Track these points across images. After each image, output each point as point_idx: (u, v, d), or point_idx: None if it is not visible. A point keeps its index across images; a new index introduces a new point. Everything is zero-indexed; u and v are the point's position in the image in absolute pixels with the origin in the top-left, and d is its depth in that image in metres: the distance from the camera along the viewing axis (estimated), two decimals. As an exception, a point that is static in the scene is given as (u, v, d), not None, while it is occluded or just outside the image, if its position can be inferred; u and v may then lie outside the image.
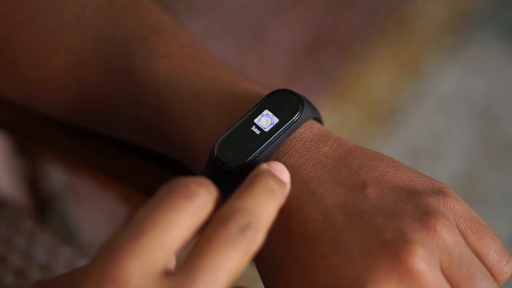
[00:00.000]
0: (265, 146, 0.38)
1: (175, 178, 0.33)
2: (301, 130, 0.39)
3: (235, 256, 0.31)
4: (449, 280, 0.34)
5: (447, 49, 1.50)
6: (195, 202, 0.32)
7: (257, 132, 0.39)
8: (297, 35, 1.48)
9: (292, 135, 0.39)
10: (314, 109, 0.40)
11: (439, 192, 0.37)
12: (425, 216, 0.35)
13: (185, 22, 0.48)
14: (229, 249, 0.31)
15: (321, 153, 0.38)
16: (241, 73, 0.43)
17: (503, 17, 1.53)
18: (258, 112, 0.39)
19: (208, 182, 0.33)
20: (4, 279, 0.58)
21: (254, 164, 0.38)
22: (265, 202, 0.33)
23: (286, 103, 0.39)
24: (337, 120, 1.39)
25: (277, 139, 0.38)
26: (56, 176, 0.72)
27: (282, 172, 0.36)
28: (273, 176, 0.35)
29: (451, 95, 1.43)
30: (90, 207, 1.23)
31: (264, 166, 0.36)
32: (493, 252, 0.37)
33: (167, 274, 0.30)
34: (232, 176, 0.38)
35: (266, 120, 0.39)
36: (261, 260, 0.37)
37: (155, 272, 0.30)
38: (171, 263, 0.33)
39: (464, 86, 1.44)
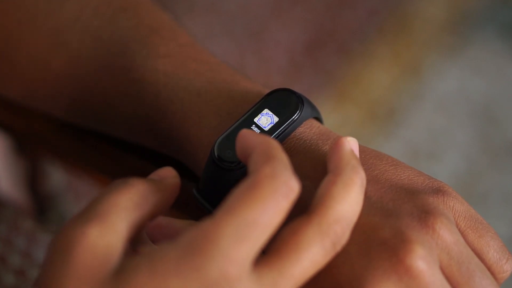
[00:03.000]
0: None
1: (270, 163, 0.32)
2: (300, 129, 0.39)
3: (323, 262, 0.32)
4: (448, 279, 0.34)
5: (447, 49, 1.50)
6: (292, 200, 0.32)
7: (257, 131, 0.39)
8: (296, 35, 1.48)
9: (292, 134, 0.39)
10: (314, 108, 0.40)
11: (438, 190, 0.37)
12: (424, 215, 0.35)
13: (185, 22, 0.48)
14: (321, 260, 0.32)
15: (320, 152, 0.38)
16: (241, 73, 0.43)
17: (503, 17, 1.53)
18: (258, 111, 0.39)
19: (292, 167, 0.32)
20: (4, 279, 0.58)
21: None
22: (360, 203, 0.34)
23: (286, 102, 0.39)
24: (337, 120, 1.39)
25: (276, 138, 0.38)
26: (56, 176, 0.72)
27: (357, 150, 0.37)
28: (359, 162, 0.35)
29: (451, 95, 1.43)
30: (90, 207, 1.23)
31: (347, 148, 0.35)
32: (492, 251, 0.36)
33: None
34: (232, 175, 0.38)
35: (266, 119, 0.39)
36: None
37: (250, 269, 0.31)
38: None
39: (464, 86, 1.44)
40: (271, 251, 0.32)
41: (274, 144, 0.33)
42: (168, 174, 0.36)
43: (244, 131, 0.34)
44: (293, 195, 0.31)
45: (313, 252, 0.32)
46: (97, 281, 0.30)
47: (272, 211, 0.31)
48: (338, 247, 0.33)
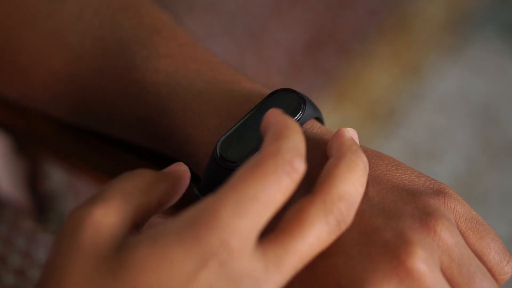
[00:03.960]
0: None
1: (273, 144, 0.32)
2: (302, 129, 0.39)
3: (328, 240, 0.33)
4: (449, 280, 0.34)
5: (447, 49, 1.50)
6: (295, 180, 0.32)
7: (259, 131, 0.39)
8: (296, 35, 1.48)
9: (294, 135, 0.39)
10: (315, 108, 0.40)
11: (439, 192, 0.37)
12: (425, 216, 0.35)
13: (185, 22, 0.48)
14: (326, 238, 0.33)
15: (321, 152, 0.38)
16: (242, 73, 0.43)
17: (503, 17, 1.53)
18: (260, 111, 0.39)
19: (303, 150, 0.33)
20: (4, 279, 0.58)
21: None
22: (363, 186, 0.34)
23: (288, 102, 0.39)
24: (337, 120, 1.39)
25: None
26: (56, 176, 0.72)
27: (357, 140, 0.37)
28: (360, 148, 0.36)
29: (451, 95, 1.43)
30: (90, 207, 1.23)
31: (348, 135, 0.36)
32: (493, 253, 0.36)
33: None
34: (234, 175, 0.38)
35: (268, 119, 0.39)
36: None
37: (253, 244, 0.31)
38: None
39: (464, 86, 1.44)
40: (277, 229, 0.32)
41: (288, 124, 0.33)
42: (178, 167, 0.37)
43: (270, 110, 0.35)
44: (296, 174, 0.32)
45: (318, 229, 0.32)
46: (100, 256, 0.31)
47: (273, 188, 0.31)
48: (343, 226, 0.33)
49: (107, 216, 0.32)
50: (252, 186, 0.31)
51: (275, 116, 0.34)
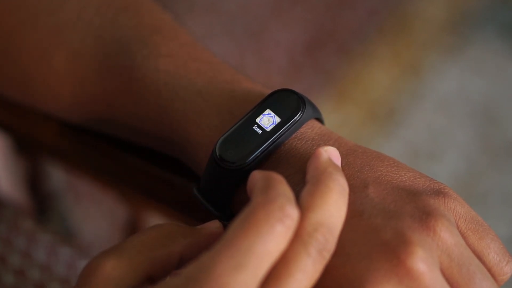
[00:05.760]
0: (266, 145, 0.38)
1: (263, 192, 0.32)
2: (302, 129, 0.39)
3: (316, 272, 0.32)
4: (449, 280, 0.34)
5: (447, 49, 1.50)
6: (290, 226, 0.32)
7: (259, 131, 0.39)
8: (296, 35, 1.48)
9: (294, 135, 0.39)
10: (315, 109, 0.40)
11: (439, 192, 0.37)
12: (425, 216, 0.35)
13: (185, 22, 0.48)
14: (311, 270, 0.32)
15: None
16: (242, 73, 0.43)
17: (503, 17, 1.53)
18: (259, 112, 0.39)
19: (292, 197, 0.33)
20: (4, 279, 0.58)
21: (255, 164, 0.38)
22: (341, 209, 0.34)
23: (288, 102, 0.39)
24: (337, 120, 1.39)
25: (278, 138, 0.38)
26: (56, 176, 0.72)
27: (338, 158, 0.37)
28: (337, 169, 0.35)
29: (451, 95, 1.43)
30: (90, 207, 1.23)
31: (325, 157, 0.35)
32: (493, 253, 0.36)
33: None
34: (233, 176, 0.38)
35: (267, 120, 0.39)
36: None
37: None
38: None
39: (464, 86, 1.44)
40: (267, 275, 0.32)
41: (273, 177, 0.33)
42: (210, 224, 0.37)
43: (252, 172, 0.35)
44: (289, 221, 0.31)
45: (302, 263, 0.32)
46: None
47: (267, 238, 0.31)
48: (326, 255, 0.33)
49: (116, 269, 0.33)
50: (245, 239, 0.31)
51: (258, 173, 0.34)
